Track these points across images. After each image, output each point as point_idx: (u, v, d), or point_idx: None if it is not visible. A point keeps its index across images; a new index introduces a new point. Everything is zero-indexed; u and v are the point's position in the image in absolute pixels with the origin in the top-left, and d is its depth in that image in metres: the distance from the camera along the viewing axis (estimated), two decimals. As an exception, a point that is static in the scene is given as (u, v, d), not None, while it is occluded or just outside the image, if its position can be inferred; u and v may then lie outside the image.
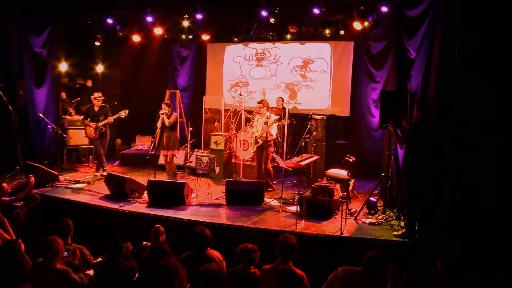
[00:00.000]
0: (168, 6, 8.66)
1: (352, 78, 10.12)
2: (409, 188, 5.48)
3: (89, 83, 10.76)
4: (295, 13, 8.66)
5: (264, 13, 8.21)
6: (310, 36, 9.85)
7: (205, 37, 10.16)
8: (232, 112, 9.35)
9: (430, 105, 5.10)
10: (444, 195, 4.84)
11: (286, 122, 7.97)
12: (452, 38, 4.77)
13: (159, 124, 7.84)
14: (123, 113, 8.14)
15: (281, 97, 9.89)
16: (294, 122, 9.85)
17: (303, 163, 7.16)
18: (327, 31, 8.92)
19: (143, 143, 10.72)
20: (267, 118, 7.63)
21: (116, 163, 9.82)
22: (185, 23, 9.11)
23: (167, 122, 7.68)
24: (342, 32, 9.12)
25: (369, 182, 8.53)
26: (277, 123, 7.73)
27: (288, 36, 9.82)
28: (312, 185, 6.17)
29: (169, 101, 7.89)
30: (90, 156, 9.47)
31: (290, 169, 7.29)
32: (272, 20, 8.28)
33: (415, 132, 5.38)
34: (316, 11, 7.89)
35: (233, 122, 8.96)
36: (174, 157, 8.04)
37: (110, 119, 8.28)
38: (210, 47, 11.61)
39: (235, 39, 10.15)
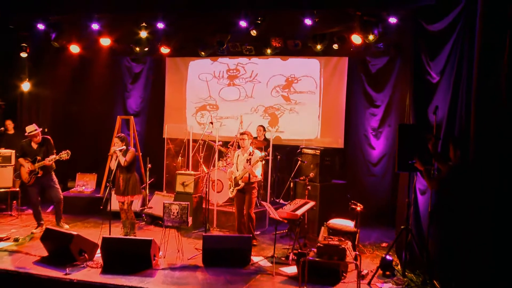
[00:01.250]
0: (121, 13, 8.52)
1: (346, 101, 10.26)
2: (442, 246, 5.41)
3: (9, 126, 9.92)
4: (281, 24, 8.72)
5: (243, 23, 8.25)
6: (295, 51, 9.93)
7: (165, 50, 10.14)
8: (201, 144, 9.20)
9: (470, 142, 5.00)
10: (495, 256, 4.64)
11: (269, 157, 7.85)
12: (494, 56, 4.71)
13: (113, 164, 7.56)
14: (65, 155, 7.85)
15: (262, 126, 9.90)
16: (279, 157, 9.87)
17: (299, 212, 6.98)
18: (318, 46, 9.11)
19: (85, 183, 10.35)
20: (249, 155, 7.54)
21: (49, 210, 9.41)
22: (143, 34, 9.02)
23: (122, 161, 7.50)
24: (335, 46, 9.25)
25: (372, 230, 8.54)
26: (263, 161, 7.63)
27: (269, 51, 9.86)
28: (318, 244, 5.95)
29: (123, 135, 7.70)
30: (14, 202, 9.09)
31: (285, 221, 7.08)
32: (253, 33, 8.32)
33: (452, 175, 5.29)
34: (308, 22, 7.98)
35: (202, 156, 8.92)
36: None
37: (48, 160, 7.84)
38: (170, 62, 11.60)
39: (202, 53, 10.10)
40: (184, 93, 11.59)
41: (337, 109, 10.36)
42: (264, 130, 9.90)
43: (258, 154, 7.52)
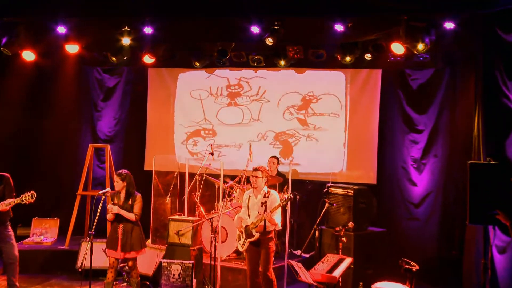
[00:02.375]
0: (97, 15, 8.53)
1: (379, 125, 10.18)
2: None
3: None
4: (302, 30, 8.74)
5: (255, 29, 8.22)
6: (314, 63, 10.00)
7: (149, 59, 10.01)
8: (198, 180, 9.05)
9: None
10: None
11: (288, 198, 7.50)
12: None
13: (110, 216, 7.45)
14: (28, 197, 7.29)
15: (275, 158, 9.83)
16: (298, 197, 9.70)
17: (336, 273, 6.58)
18: (348, 58, 9.14)
19: (44, 231, 9.88)
20: (265, 196, 7.27)
21: (-2, 272, 8.46)
22: (125, 40, 8.80)
23: (130, 216, 7.51)
24: (368, 56, 9.32)
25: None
26: (283, 204, 7.22)
27: (282, 62, 9.83)
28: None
29: (125, 172, 7.59)
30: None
31: (320, 287, 6.66)
32: (269, 41, 8.30)
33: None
34: (338, 28, 7.94)
35: (198, 196, 8.85)
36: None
37: (4, 204, 7.30)
38: (154, 74, 11.44)
39: (196, 63, 10.02)
40: (171, 114, 11.43)
41: (367, 135, 10.27)
42: (278, 162, 9.84)
43: (277, 196, 7.29)
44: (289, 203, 7.97)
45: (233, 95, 11.23)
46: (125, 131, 11.56)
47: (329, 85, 10.63)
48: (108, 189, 7.58)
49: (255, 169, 7.48)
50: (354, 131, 10.43)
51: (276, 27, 8.19)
